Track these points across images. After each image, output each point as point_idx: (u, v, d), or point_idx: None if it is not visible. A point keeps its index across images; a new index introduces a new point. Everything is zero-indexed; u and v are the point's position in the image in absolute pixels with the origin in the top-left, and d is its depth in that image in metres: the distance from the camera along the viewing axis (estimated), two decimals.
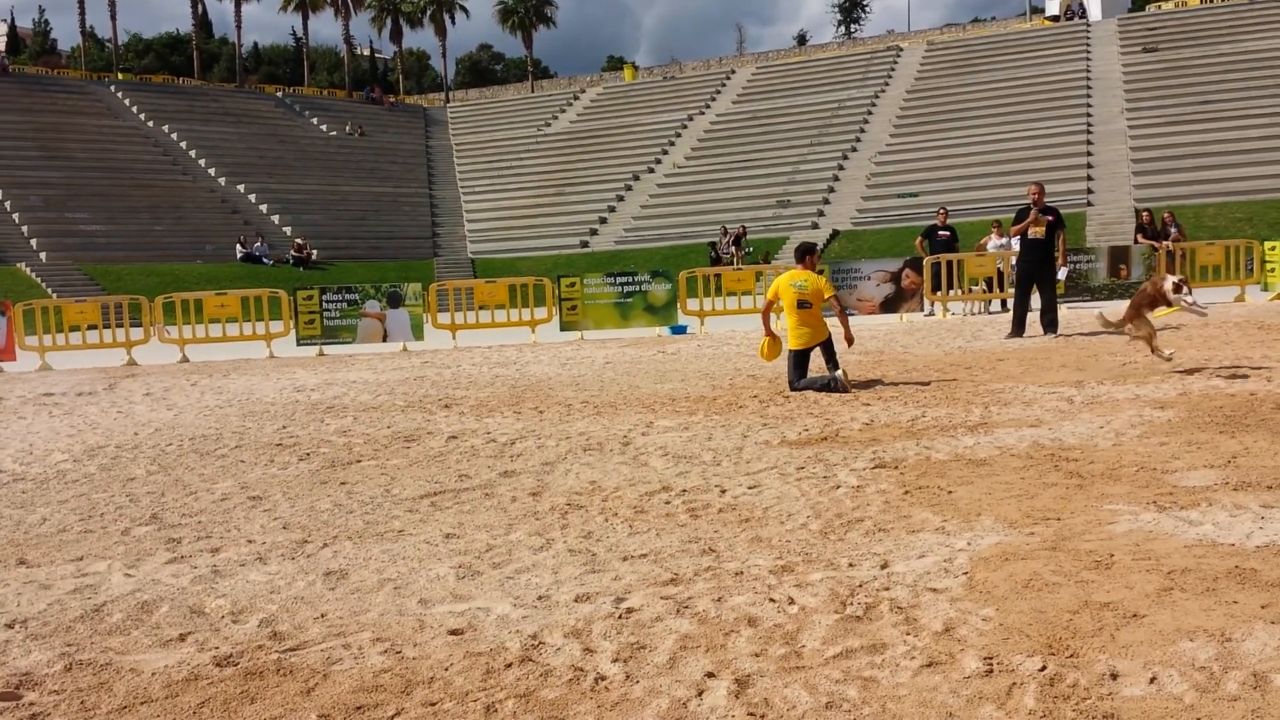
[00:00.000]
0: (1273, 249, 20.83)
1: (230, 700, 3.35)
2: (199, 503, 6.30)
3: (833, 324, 10.21)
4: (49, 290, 36.10)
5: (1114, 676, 3.15)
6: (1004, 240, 21.27)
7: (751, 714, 3.06)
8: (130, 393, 12.95)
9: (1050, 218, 14.10)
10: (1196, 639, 3.38)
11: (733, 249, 39.21)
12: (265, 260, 43.62)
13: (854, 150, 49.31)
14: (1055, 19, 62.31)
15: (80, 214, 44.46)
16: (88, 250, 41.93)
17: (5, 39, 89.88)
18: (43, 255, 40.69)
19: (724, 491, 5.91)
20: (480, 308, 20.95)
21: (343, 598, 4.33)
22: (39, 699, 3.43)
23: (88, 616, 4.23)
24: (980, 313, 20.38)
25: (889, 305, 20.27)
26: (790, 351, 10.11)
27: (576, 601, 4.13)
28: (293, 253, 44.44)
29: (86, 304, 20.20)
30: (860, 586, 4.11)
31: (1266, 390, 8.35)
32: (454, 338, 19.26)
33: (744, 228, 40.70)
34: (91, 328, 19.40)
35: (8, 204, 43.67)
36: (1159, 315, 9.98)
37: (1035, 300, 14.45)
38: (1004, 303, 20.12)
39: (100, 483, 7.09)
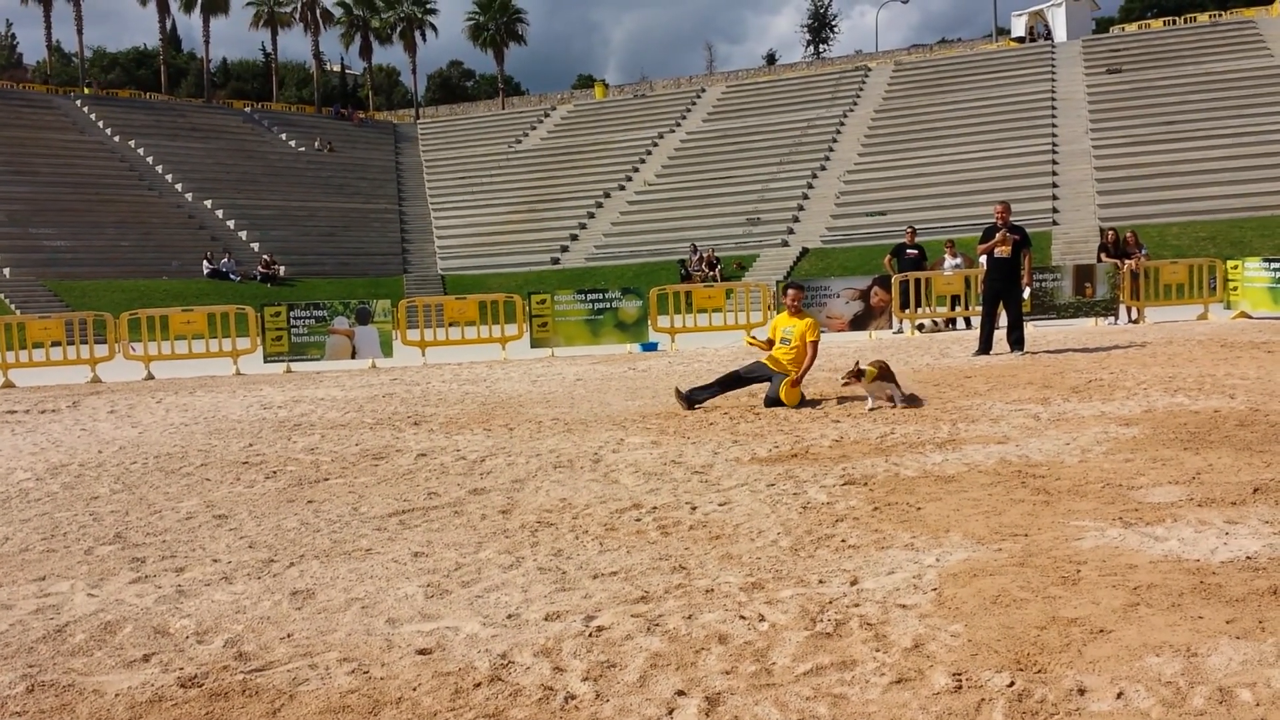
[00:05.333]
0: (1235, 268, 21.14)
1: None
2: (164, 522, 6.23)
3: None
4: (13, 306, 35.68)
5: (1081, 692, 3.17)
6: (958, 259, 21.49)
7: None
8: (94, 410, 12.81)
9: (1016, 236, 14.24)
10: (1163, 654, 3.41)
11: (704, 269, 39.44)
12: (233, 276, 43.32)
13: (823, 169, 49.66)
14: (1021, 40, 63.15)
15: (45, 229, 44.00)
16: (52, 266, 41.50)
17: None
18: (6, 271, 40.21)
19: (694, 508, 5.91)
20: (450, 324, 20.87)
21: (309, 617, 4.29)
22: None
23: (50, 637, 4.16)
24: (940, 329, 20.55)
25: (858, 323, 20.38)
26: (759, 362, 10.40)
27: (546, 620, 4.11)
28: (260, 269, 44.17)
29: (51, 320, 19.97)
30: (830, 603, 4.12)
31: (1230, 407, 8.45)
32: (423, 354, 19.18)
33: (714, 251, 40.96)
34: (56, 344, 19.18)
35: None
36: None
37: (1002, 318, 14.59)
38: (969, 320, 20.30)
39: (63, 501, 7.00)
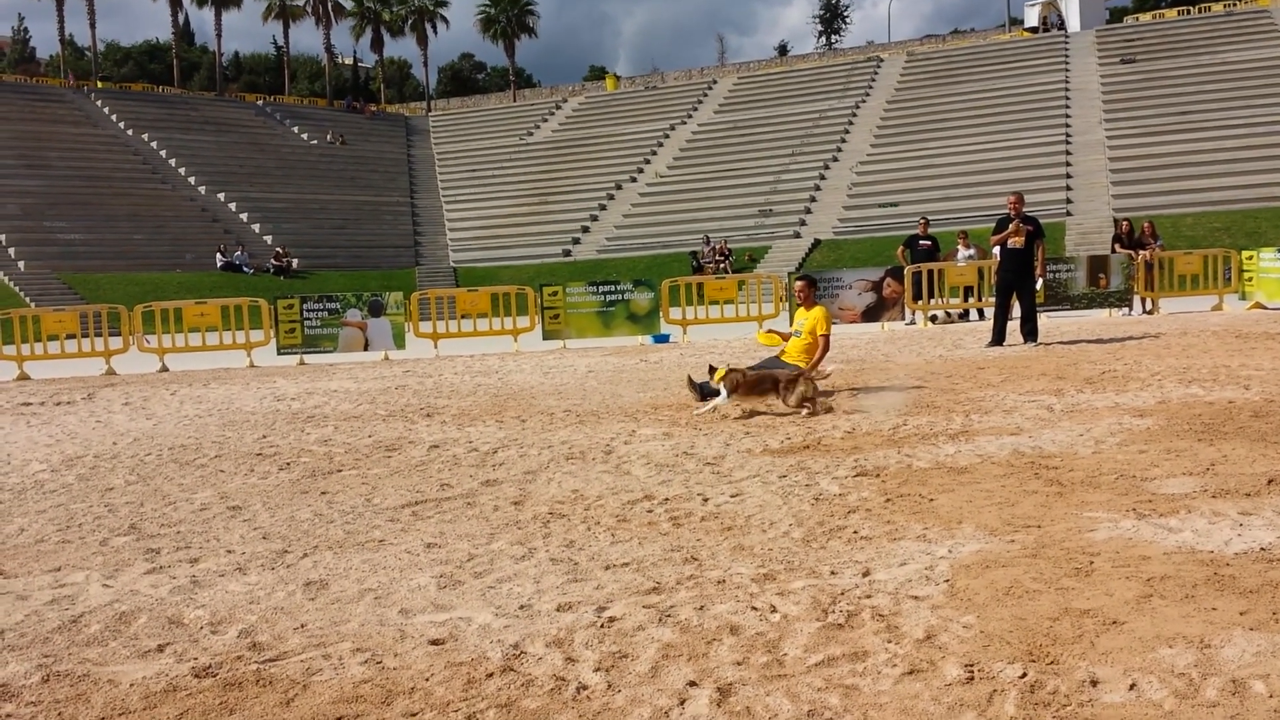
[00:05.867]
0: (1250, 258, 21.02)
1: (209, 711, 3.33)
2: (178, 513, 6.26)
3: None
4: (27, 299, 35.87)
5: (1094, 683, 3.16)
6: (972, 251, 21.44)
7: None
8: (109, 402, 12.87)
9: (1029, 227, 14.19)
10: (1176, 646, 3.40)
11: (717, 260, 39.46)
12: (246, 269, 43.46)
13: (835, 160, 49.53)
14: (1034, 30, 62.85)
15: (59, 223, 44.22)
16: (67, 259, 41.70)
17: None
18: (21, 264, 40.42)
19: (706, 500, 5.91)
20: (462, 316, 20.91)
21: (323, 608, 4.31)
22: (16, 710, 3.40)
23: (65, 627, 4.19)
24: (953, 320, 20.51)
25: (871, 314, 20.34)
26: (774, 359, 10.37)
27: (558, 611, 4.11)
28: (273, 262, 44.30)
29: (65, 313, 20.07)
30: (842, 594, 4.11)
31: (1244, 398, 8.41)
32: (436, 346, 19.22)
33: (726, 242, 40.99)
34: (70, 337, 19.27)
35: None
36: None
37: (1015, 309, 14.55)
38: (982, 312, 20.24)
39: (78, 493, 7.04)
